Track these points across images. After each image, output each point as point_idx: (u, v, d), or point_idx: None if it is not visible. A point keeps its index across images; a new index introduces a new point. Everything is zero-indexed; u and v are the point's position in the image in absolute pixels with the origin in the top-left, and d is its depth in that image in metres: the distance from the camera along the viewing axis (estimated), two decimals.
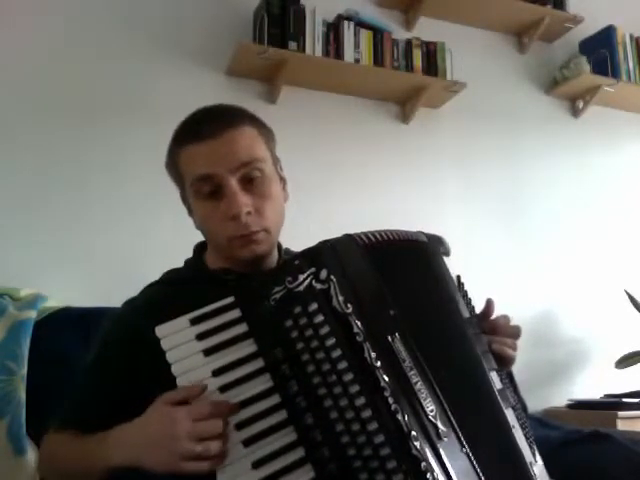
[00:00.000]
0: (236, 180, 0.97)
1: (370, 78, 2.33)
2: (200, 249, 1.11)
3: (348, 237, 0.87)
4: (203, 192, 0.99)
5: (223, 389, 0.79)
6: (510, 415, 0.87)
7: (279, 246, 1.11)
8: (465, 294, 0.96)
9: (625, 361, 2.37)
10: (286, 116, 2.20)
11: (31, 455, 1.35)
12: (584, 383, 2.48)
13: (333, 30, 2.26)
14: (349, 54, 2.25)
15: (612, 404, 2.21)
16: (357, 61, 2.27)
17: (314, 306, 0.80)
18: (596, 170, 2.76)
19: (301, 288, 0.82)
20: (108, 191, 2.01)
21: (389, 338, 0.80)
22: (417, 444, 0.75)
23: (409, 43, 2.38)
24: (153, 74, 2.15)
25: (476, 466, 0.78)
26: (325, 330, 0.79)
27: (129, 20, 2.16)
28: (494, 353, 0.93)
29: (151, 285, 1.08)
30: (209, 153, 0.97)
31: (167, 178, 2.08)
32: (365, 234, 0.88)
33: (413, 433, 0.75)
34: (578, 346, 2.53)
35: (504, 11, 2.58)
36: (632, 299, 2.43)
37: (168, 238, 2.02)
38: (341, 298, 0.80)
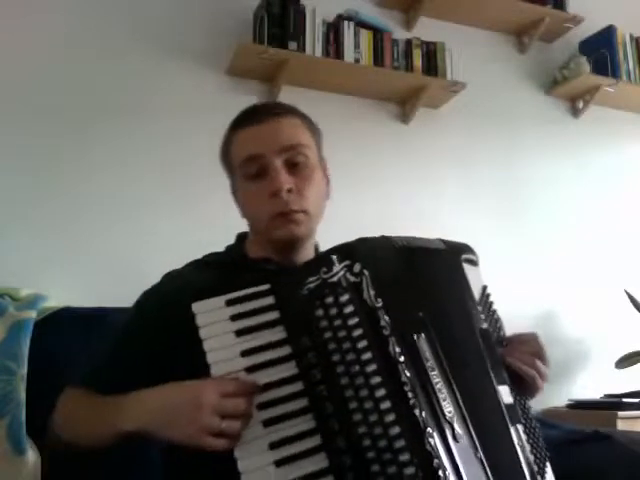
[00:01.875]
0: (281, 162, 1.02)
1: (370, 78, 2.33)
2: (242, 238, 1.14)
3: (385, 238, 0.92)
4: (249, 173, 1.04)
5: (249, 370, 0.81)
6: (518, 432, 0.88)
7: (315, 246, 1.13)
8: (489, 305, 0.98)
9: (625, 361, 2.37)
10: None
11: (31, 455, 1.35)
12: (584, 383, 2.48)
13: (333, 30, 2.26)
14: (349, 54, 2.25)
15: (612, 404, 2.21)
16: (357, 61, 2.27)
17: (345, 297, 0.83)
18: (596, 170, 2.76)
19: (335, 279, 0.84)
20: (108, 191, 2.01)
21: (414, 336, 0.83)
22: (432, 441, 0.76)
23: (409, 43, 2.38)
24: (153, 74, 2.15)
25: (489, 473, 0.79)
26: (354, 321, 0.82)
27: (129, 20, 2.16)
28: (512, 371, 0.94)
29: (192, 263, 1.10)
30: (256, 135, 1.04)
31: (168, 178, 2.09)
32: (399, 238, 0.92)
33: (429, 430, 0.77)
34: (578, 346, 2.53)
35: (504, 11, 2.58)
36: (632, 299, 2.43)
37: (168, 238, 2.02)
38: (372, 292, 0.83)
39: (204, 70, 2.21)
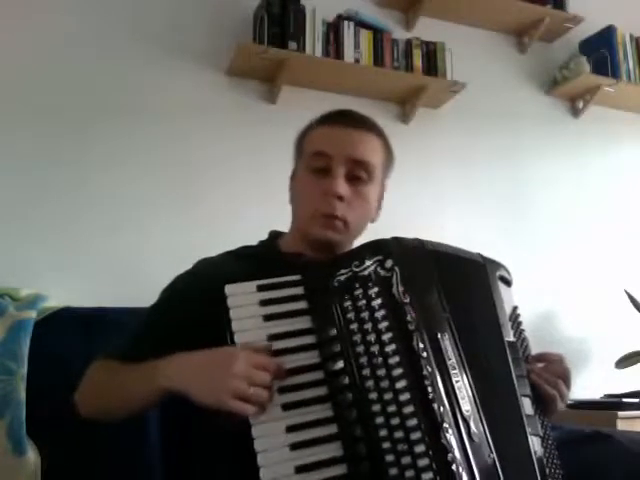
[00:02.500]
0: (345, 169, 1.05)
1: (370, 78, 2.33)
2: (275, 235, 1.16)
3: (417, 240, 0.94)
4: (313, 166, 1.07)
5: (274, 354, 0.84)
6: (536, 443, 0.89)
7: None
8: (518, 324, 1.00)
9: (625, 361, 2.37)
10: (286, 116, 2.20)
11: (31, 455, 1.34)
12: (584, 383, 2.47)
13: (333, 30, 2.26)
14: (349, 54, 2.25)
15: (612, 404, 2.21)
16: (357, 61, 2.27)
17: (374, 290, 0.85)
18: (596, 170, 2.76)
19: (366, 272, 0.87)
20: (108, 191, 2.01)
21: (438, 335, 0.85)
22: (447, 436, 0.77)
23: (409, 43, 2.38)
24: (153, 74, 2.15)
25: (500, 474, 0.80)
26: (380, 313, 0.84)
27: (129, 20, 2.16)
28: (534, 387, 0.96)
29: (227, 253, 1.13)
30: (336, 136, 1.08)
31: (168, 178, 2.10)
32: (432, 242, 0.95)
33: (445, 425, 0.78)
34: (578, 346, 2.53)
35: (504, 11, 2.58)
36: (632, 299, 2.43)
37: (169, 238, 2.02)
38: (401, 288, 0.85)
39: (204, 70, 2.21)
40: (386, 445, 0.77)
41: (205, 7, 2.26)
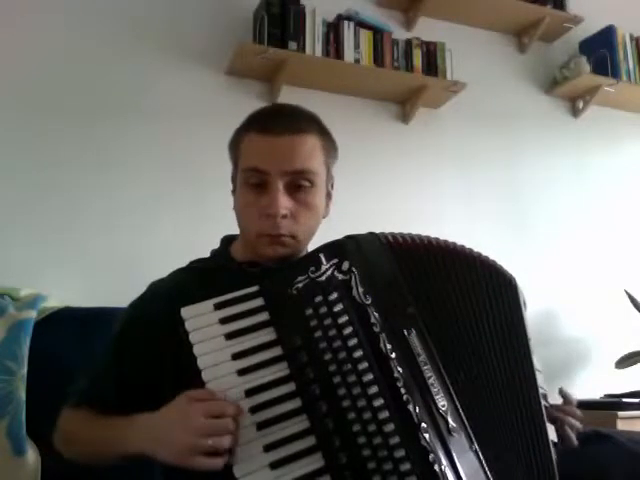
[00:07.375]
0: (283, 183, 0.97)
1: (370, 78, 2.33)
2: (227, 242, 1.11)
3: (372, 235, 0.91)
4: (250, 182, 0.99)
5: (241, 372, 0.81)
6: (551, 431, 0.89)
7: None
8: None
9: (625, 361, 2.37)
10: None
11: (31, 455, 1.35)
12: (584, 383, 2.47)
13: (333, 30, 2.26)
14: (349, 54, 2.25)
15: (612, 404, 2.21)
16: (357, 61, 2.27)
17: (334, 295, 0.83)
18: (596, 170, 2.76)
19: (323, 278, 0.84)
20: (108, 191, 2.01)
21: (405, 332, 0.83)
22: (427, 436, 0.76)
23: (409, 43, 2.38)
24: (153, 74, 2.15)
25: (484, 465, 0.79)
26: (343, 319, 0.82)
27: (129, 20, 2.16)
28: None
29: (178, 271, 1.09)
30: (267, 149, 0.97)
31: (167, 178, 2.09)
32: (392, 234, 0.91)
33: (423, 425, 0.77)
34: (578, 346, 2.53)
35: (504, 11, 2.58)
36: (632, 299, 2.43)
37: (168, 238, 2.02)
38: (361, 289, 0.83)
39: (204, 70, 2.21)
40: (366, 453, 0.76)
41: (205, 7, 2.26)
